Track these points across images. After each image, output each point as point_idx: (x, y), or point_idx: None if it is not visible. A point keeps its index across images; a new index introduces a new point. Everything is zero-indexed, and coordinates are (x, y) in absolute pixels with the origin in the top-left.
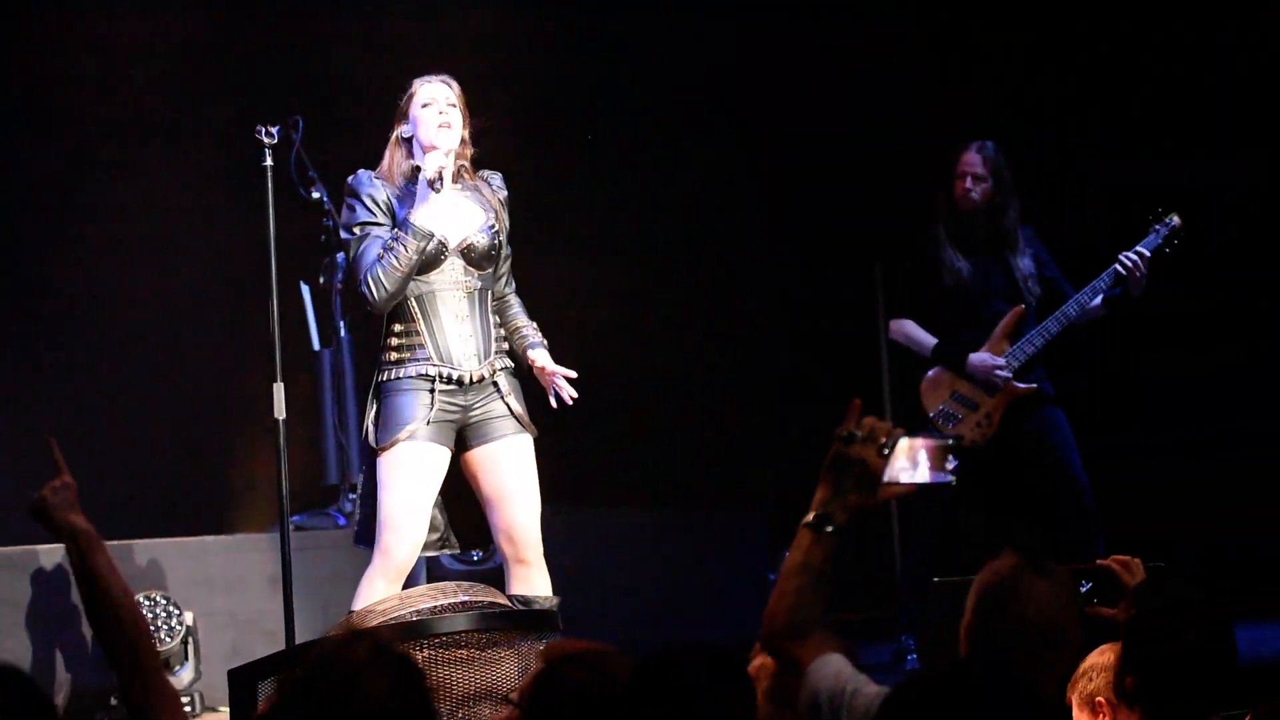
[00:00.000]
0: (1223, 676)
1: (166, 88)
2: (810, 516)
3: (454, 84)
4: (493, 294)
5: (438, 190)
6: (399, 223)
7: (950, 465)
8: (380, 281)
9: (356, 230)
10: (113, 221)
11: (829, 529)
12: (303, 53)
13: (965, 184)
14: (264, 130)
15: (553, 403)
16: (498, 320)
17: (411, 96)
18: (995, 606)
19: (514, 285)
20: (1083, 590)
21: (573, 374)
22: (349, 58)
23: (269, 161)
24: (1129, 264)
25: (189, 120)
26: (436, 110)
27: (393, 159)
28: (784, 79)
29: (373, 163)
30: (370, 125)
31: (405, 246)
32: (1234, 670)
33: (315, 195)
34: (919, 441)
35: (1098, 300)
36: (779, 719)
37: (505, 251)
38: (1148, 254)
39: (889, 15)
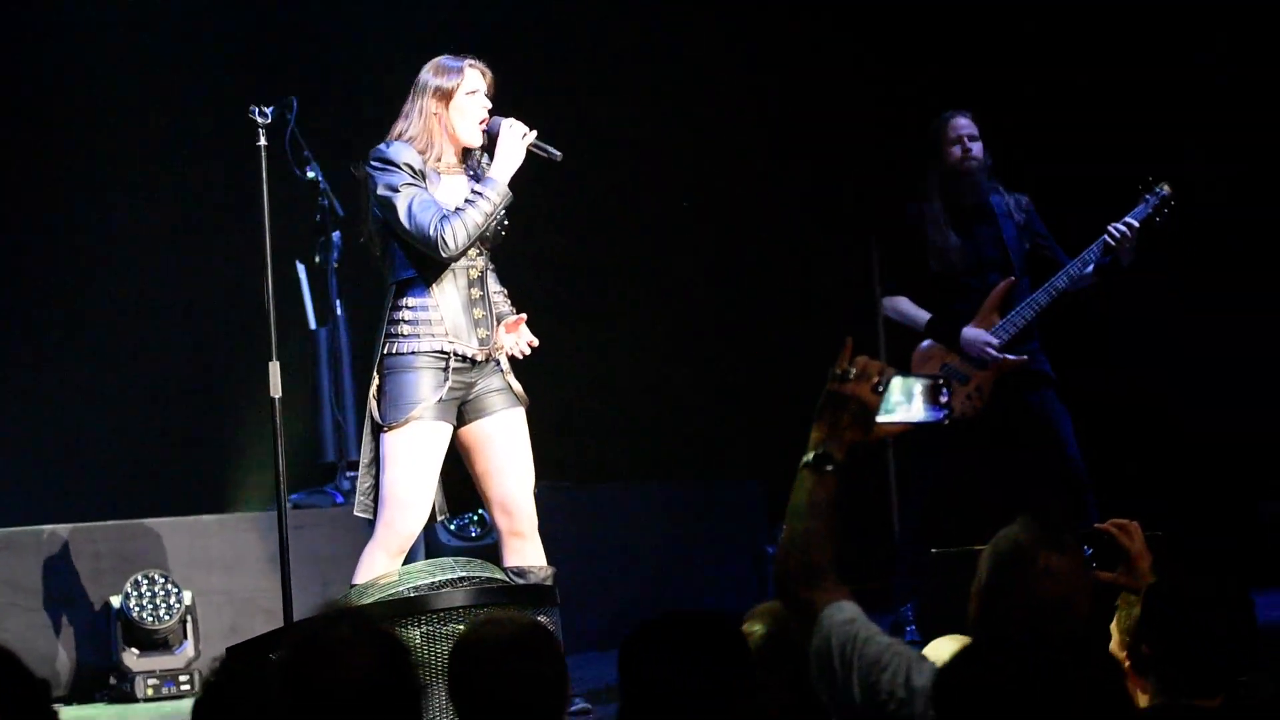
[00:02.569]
0: (1241, 646)
1: (160, 66)
2: (809, 455)
3: (488, 73)
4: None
5: (542, 152)
6: (483, 179)
7: (943, 400)
8: (458, 231)
9: (401, 189)
10: (106, 202)
11: (829, 467)
12: (297, 29)
13: (965, 146)
14: (258, 110)
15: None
16: (498, 299)
17: (461, 78)
18: (1010, 577)
19: None
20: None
21: (535, 341)
22: (344, 36)
23: (263, 141)
24: (1117, 235)
25: (182, 100)
26: (481, 105)
27: (427, 131)
28: (778, 50)
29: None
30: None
31: (488, 200)
32: (1253, 641)
33: (310, 174)
34: (911, 379)
35: (1089, 270)
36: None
37: None
38: (1136, 224)
39: None
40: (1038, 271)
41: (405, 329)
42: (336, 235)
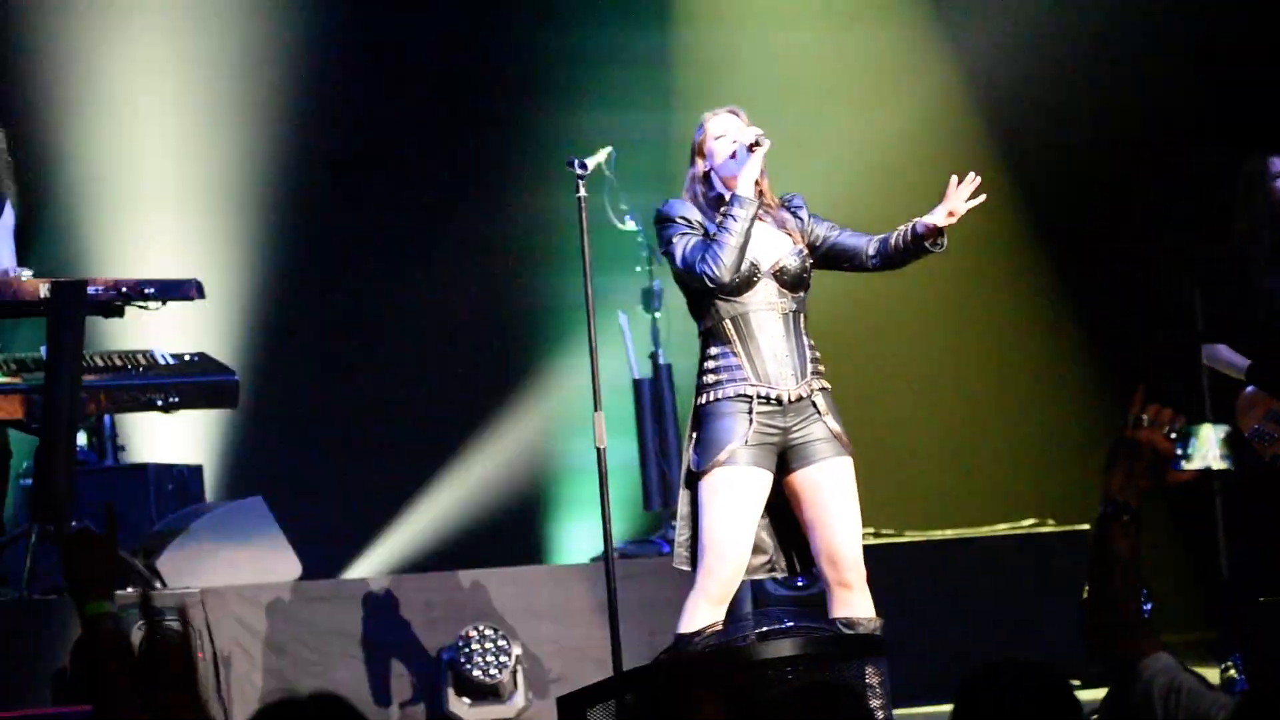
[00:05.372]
0: None
1: (477, 119)
2: (1107, 507)
3: (742, 113)
4: (843, 252)
5: (760, 145)
6: (730, 198)
7: (1235, 452)
8: (718, 256)
9: (675, 240)
10: (426, 258)
11: (1126, 517)
12: (612, 80)
13: None
14: (576, 161)
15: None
16: (812, 342)
17: (704, 132)
18: None
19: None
20: None
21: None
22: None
23: (582, 193)
24: None
25: (498, 152)
26: (730, 140)
27: (693, 191)
28: (1108, 87)
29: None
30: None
31: (734, 218)
32: None
33: (629, 225)
34: (1206, 426)
35: None
36: None
37: (832, 235)
38: None
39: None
40: None
41: (710, 378)
42: (657, 284)
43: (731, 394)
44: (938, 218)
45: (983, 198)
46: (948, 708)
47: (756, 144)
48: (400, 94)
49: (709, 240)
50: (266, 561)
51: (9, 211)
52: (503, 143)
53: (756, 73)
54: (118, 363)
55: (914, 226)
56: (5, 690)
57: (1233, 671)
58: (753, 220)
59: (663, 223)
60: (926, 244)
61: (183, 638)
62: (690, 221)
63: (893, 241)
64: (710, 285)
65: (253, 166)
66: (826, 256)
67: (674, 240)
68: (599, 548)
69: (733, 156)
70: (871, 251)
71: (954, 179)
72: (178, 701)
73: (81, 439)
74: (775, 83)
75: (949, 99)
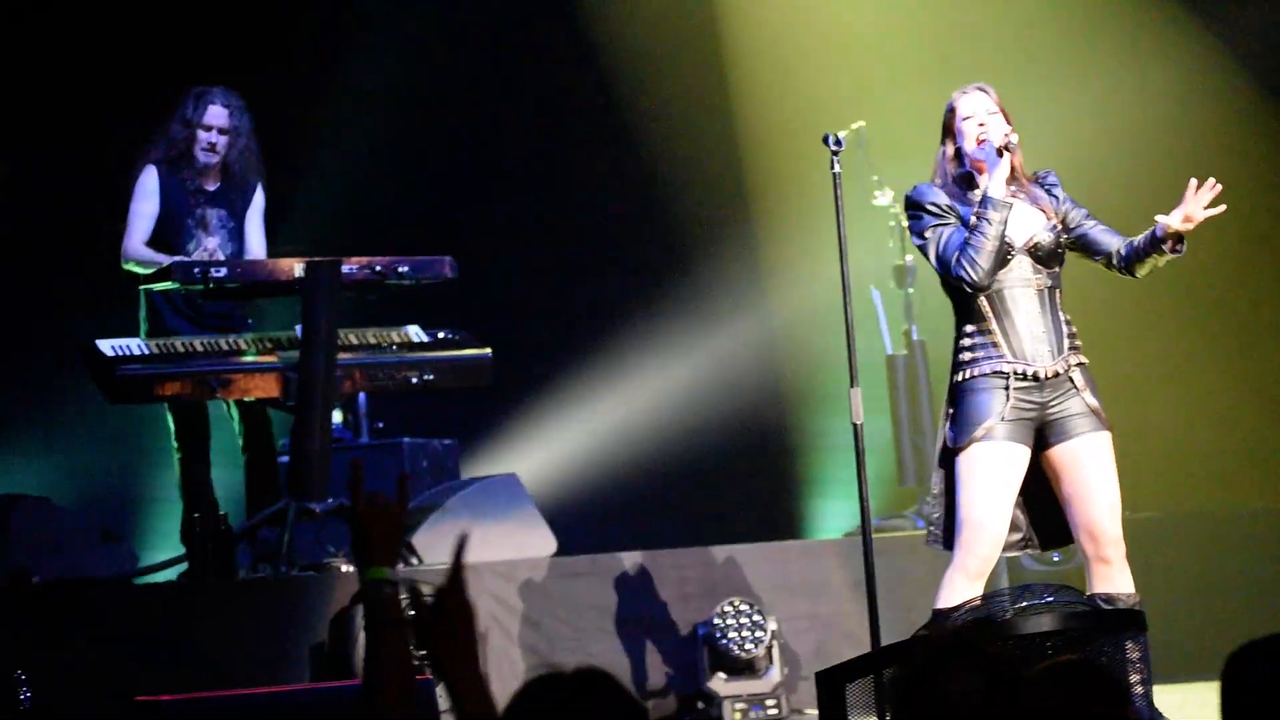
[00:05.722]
0: None
1: (730, 95)
2: None
3: (991, 91)
4: (1092, 245)
5: (1010, 151)
6: (981, 200)
7: None
8: (974, 260)
9: (928, 234)
10: (685, 239)
11: None
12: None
13: None
14: (831, 137)
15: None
16: (1068, 318)
17: (953, 112)
18: None
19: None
20: None
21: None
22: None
23: (837, 168)
24: None
25: (756, 125)
26: (976, 122)
27: (943, 171)
28: None
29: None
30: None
31: (988, 221)
32: None
33: (882, 200)
34: None
35: None
36: None
37: (1085, 224)
38: None
39: None
40: None
41: (966, 355)
42: (910, 260)
43: (988, 371)
44: (1174, 220)
45: (1222, 207)
46: (1208, 683)
47: (1006, 148)
48: (649, 67)
49: (963, 237)
50: (521, 537)
51: (260, 195)
52: (756, 115)
53: (1001, 44)
54: (372, 341)
55: (1154, 231)
56: (264, 666)
57: None
58: (1005, 222)
59: (913, 209)
60: (1164, 247)
61: (463, 607)
62: (940, 208)
63: (1136, 244)
64: (968, 289)
65: (504, 147)
66: (1075, 243)
67: (927, 234)
68: (852, 523)
69: (980, 144)
70: (1119, 253)
71: (1193, 182)
72: (465, 668)
73: (337, 417)
74: (1021, 54)
75: (1209, 76)
